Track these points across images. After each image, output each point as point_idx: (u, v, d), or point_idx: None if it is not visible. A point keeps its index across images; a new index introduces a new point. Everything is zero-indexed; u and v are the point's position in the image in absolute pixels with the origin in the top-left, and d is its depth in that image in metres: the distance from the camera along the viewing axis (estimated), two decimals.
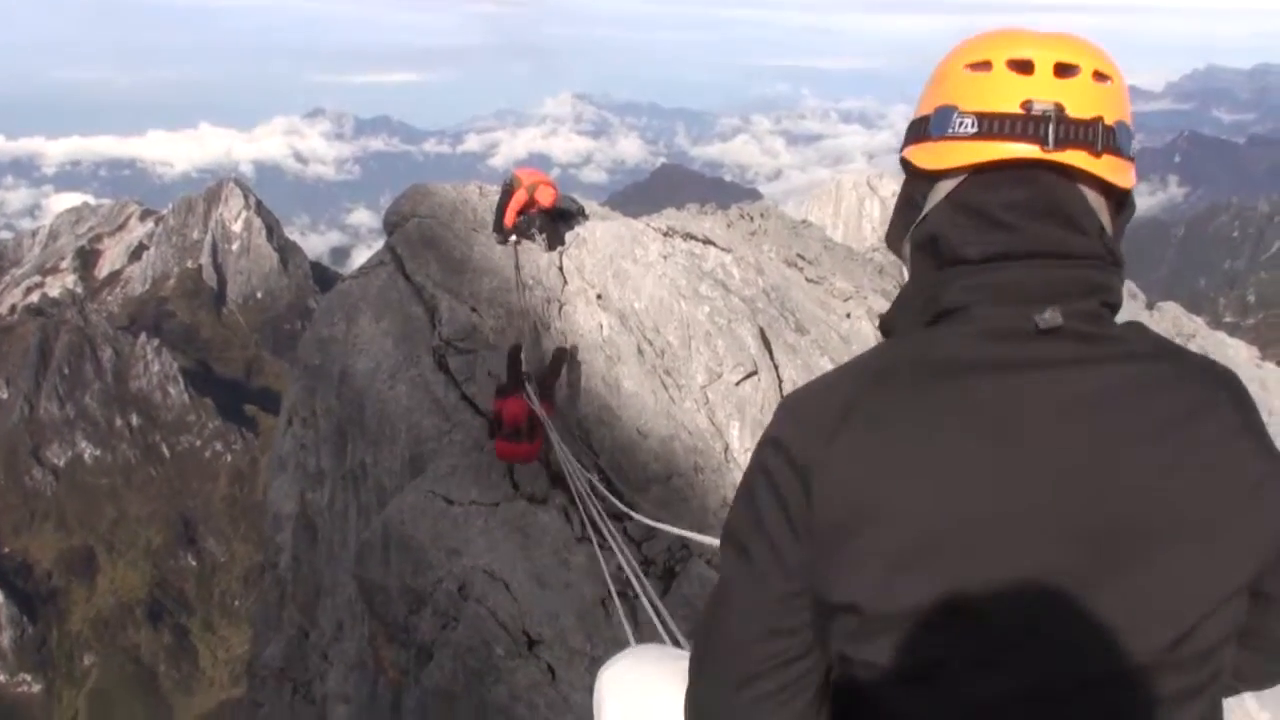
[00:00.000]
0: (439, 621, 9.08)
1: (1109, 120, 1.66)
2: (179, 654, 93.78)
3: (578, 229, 13.29)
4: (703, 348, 11.76)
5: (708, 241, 14.02)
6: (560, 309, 12.24)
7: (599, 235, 13.04)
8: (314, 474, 13.51)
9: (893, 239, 1.88)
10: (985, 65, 1.71)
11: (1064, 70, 1.67)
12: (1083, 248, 1.64)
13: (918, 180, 1.80)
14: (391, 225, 14.31)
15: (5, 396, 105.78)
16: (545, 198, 12.64)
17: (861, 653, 1.60)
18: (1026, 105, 1.65)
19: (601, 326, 11.96)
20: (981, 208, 1.68)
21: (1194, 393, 1.56)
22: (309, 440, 13.69)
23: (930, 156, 1.76)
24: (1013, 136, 1.65)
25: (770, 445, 1.68)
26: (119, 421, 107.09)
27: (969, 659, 1.52)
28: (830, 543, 1.59)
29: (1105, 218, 1.70)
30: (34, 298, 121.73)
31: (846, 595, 1.58)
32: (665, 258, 12.73)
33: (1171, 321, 16.57)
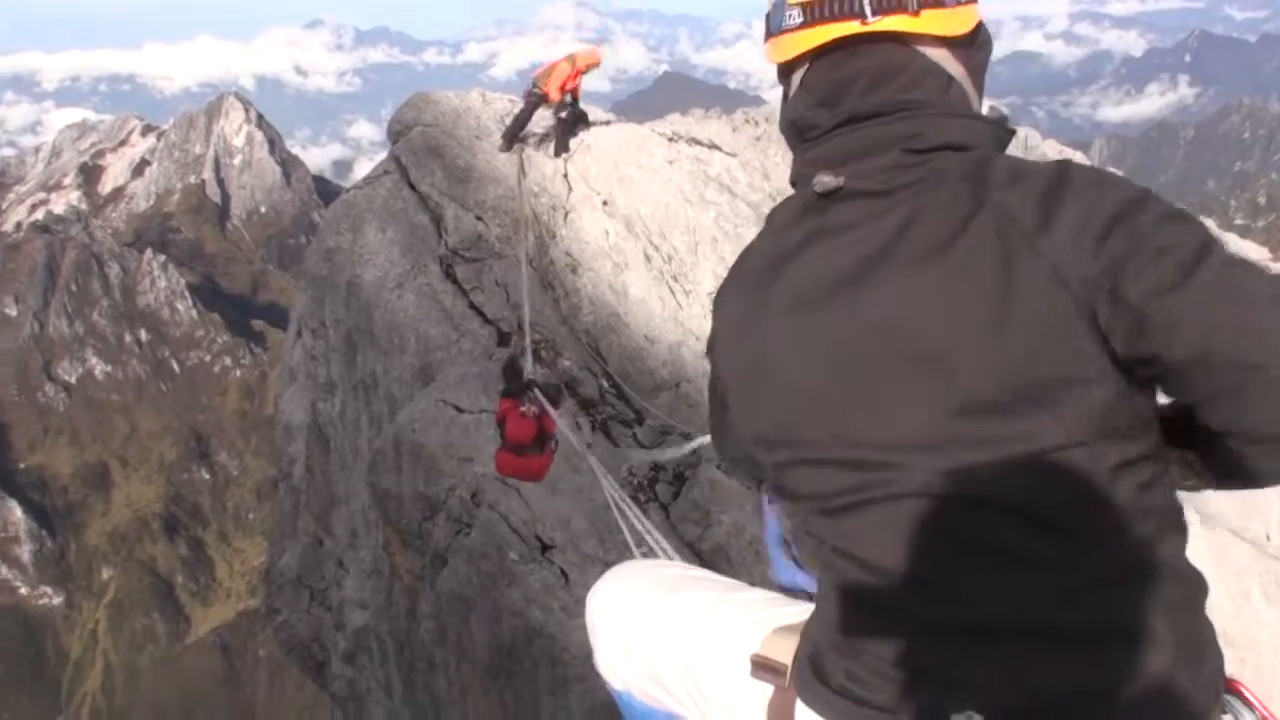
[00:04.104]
0: (452, 528, 9.17)
1: None
2: (195, 566, 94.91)
3: (582, 135, 13.17)
4: (709, 253, 11.73)
5: (713, 146, 13.92)
6: (566, 216, 12.18)
7: (604, 141, 12.94)
8: (324, 384, 13.55)
9: (781, 128, 1.94)
10: None
11: None
12: (911, 103, 1.70)
13: (780, 72, 1.89)
14: (395, 134, 14.19)
15: (15, 314, 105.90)
16: (591, 59, 12.73)
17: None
18: None
19: (608, 233, 11.92)
20: (821, 88, 1.77)
21: (963, 208, 1.57)
22: (319, 351, 13.70)
23: (776, 51, 1.83)
24: (832, 18, 1.71)
25: None
26: (128, 338, 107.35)
27: (798, 463, 1.78)
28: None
29: (955, 66, 1.76)
30: (39, 214, 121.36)
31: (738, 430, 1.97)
32: (671, 163, 12.64)
33: None
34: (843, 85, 1.74)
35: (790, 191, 1.88)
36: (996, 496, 1.54)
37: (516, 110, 13.68)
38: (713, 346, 1.98)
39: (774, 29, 1.82)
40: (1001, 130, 1.76)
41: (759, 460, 1.93)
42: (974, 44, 1.78)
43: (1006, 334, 1.50)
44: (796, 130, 1.83)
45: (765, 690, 1.96)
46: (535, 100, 12.85)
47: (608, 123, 14.23)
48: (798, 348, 1.73)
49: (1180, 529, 1.63)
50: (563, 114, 12.93)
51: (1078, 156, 16.86)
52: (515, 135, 13.00)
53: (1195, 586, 1.64)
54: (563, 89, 12.69)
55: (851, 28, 1.70)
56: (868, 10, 1.69)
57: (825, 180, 1.69)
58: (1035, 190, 1.55)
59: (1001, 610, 1.57)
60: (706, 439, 5.54)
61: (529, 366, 8.73)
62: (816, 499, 1.75)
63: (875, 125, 1.70)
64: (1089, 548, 1.54)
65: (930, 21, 1.70)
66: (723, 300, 1.94)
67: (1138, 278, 1.44)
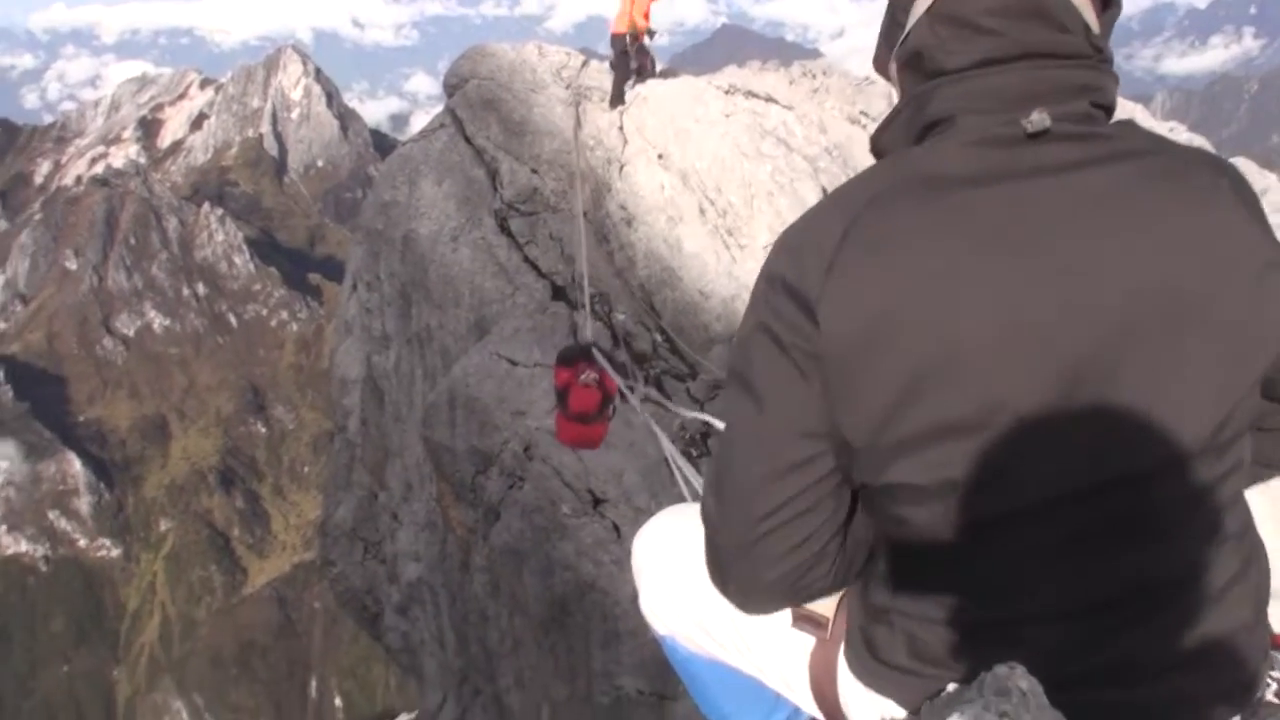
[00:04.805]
0: (506, 481, 9.19)
1: None
2: (251, 519, 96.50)
3: (638, 88, 13.10)
4: (765, 207, 11.62)
5: (770, 99, 13.77)
6: (621, 169, 12.12)
7: (660, 94, 12.86)
8: (379, 337, 13.61)
9: (880, 62, 1.77)
10: None
11: None
12: (1068, 47, 1.53)
13: None
14: (451, 87, 14.16)
15: (74, 267, 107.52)
16: None
17: (881, 478, 1.56)
18: None
19: (663, 187, 11.85)
20: (961, 16, 1.56)
21: (1194, 181, 1.47)
22: (374, 304, 13.76)
23: None
24: None
25: (767, 281, 1.60)
26: (186, 291, 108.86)
27: (991, 474, 1.47)
28: (839, 374, 1.52)
29: (1090, 15, 1.58)
30: (98, 168, 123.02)
31: (860, 424, 1.53)
32: (727, 116, 12.53)
33: None
34: (981, 15, 1.55)
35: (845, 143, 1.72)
36: (1123, 489, 1.47)
37: (597, 63, 13.85)
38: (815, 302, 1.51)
39: None
40: None
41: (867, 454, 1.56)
42: (1108, 1, 1.63)
43: (1241, 327, 1.45)
44: (921, 64, 1.63)
45: (808, 641, 1.93)
46: (640, 41, 13.13)
47: (665, 74, 14.14)
48: (1013, 293, 1.45)
49: (1244, 498, 1.62)
50: (647, 40, 13.19)
51: (1139, 110, 16.55)
52: (635, 78, 13.26)
53: (1261, 555, 1.65)
54: (646, 16, 13.00)
55: None
56: None
57: (1036, 120, 1.47)
58: (1255, 204, 1.52)
59: (1088, 589, 1.52)
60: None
61: (588, 326, 8.72)
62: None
63: (1052, 68, 1.52)
64: (1185, 528, 1.52)
65: None
66: (860, 236, 1.51)
67: None
